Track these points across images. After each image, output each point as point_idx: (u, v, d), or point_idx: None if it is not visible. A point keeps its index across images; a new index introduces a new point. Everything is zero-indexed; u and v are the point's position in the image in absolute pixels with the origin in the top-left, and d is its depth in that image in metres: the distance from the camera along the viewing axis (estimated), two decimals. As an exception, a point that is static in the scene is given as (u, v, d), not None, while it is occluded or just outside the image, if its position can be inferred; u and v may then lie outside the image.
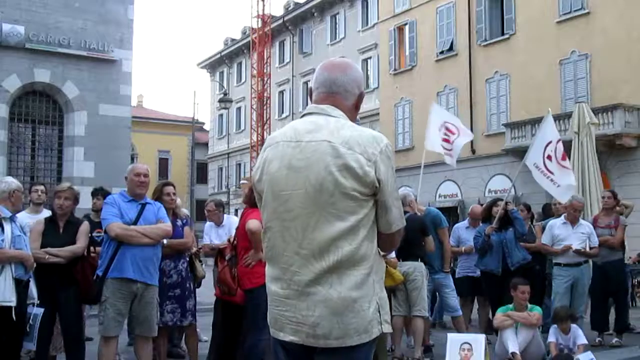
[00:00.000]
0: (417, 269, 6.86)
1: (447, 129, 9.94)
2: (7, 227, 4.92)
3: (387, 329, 2.31)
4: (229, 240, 6.26)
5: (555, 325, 6.89)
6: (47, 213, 6.48)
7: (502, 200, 8.14)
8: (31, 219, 5.83)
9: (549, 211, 9.91)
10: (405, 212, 7.10)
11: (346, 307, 2.20)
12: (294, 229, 2.25)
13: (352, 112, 2.41)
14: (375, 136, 2.26)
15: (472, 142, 25.02)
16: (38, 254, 5.26)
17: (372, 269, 2.25)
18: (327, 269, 2.21)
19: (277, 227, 2.31)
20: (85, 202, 10.03)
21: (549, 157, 8.31)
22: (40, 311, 5.16)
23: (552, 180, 8.27)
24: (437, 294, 8.33)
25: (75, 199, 5.68)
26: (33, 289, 5.16)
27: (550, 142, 8.36)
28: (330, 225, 2.20)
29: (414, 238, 6.92)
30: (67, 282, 5.36)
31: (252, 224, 5.34)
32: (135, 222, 5.18)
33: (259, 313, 5.47)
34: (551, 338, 6.81)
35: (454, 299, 7.73)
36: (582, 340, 6.74)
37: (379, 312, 2.26)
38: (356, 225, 2.21)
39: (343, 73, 2.37)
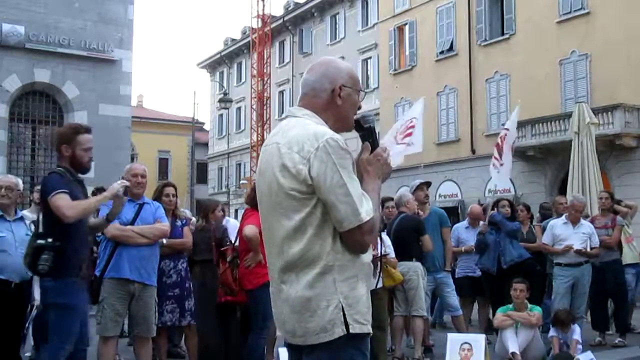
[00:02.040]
0: (412, 269, 6.86)
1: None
2: None
3: (360, 329, 2.25)
4: (230, 242, 6.29)
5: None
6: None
7: (504, 199, 8.19)
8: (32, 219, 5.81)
9: (546, 211, 9.95)
10: (401, 213, 7.17)
11: (302, 307, 2.24)
12: (265, 230, 2.40)
13: (329, 108, 2.39)
14: (317, 133, 2.24)
15: (472, 142, 25.12)
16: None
17: (329, 269, 2.23)
18: (286, 268, 2.28)
19: (262, 229, 2.47)
20: (86, 202, 10.01)
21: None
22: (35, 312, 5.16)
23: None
24: (436, 294, 8.31)
25: None
26: (36, 289, 5.16)
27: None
28: (280, 225, 2.28)
29: (408, 238, 6.93)
30: None
31: (248, 230, 5.41)
32: (132, 223, 5.19)
33: (259, 313, 5.52)
34: (552, 333, 6.83)
35: (454, 298, 7.74)
36: (576, 336, 6.76)
37: (343, 312, 2.22)
38: (301, 224, 2.23)
39: (312, 73, 2.42)
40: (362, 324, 2.25)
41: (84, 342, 4.43)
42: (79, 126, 4.37)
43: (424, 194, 7.80)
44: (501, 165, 10.04)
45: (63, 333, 4.08)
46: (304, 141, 2.22)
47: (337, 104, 2.37)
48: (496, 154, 10.13)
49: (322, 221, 2.23)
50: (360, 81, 2.51)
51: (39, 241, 4.08)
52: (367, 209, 2.22)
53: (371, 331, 2.30)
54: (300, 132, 2.26)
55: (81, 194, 4.22)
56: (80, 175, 4.34)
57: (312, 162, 2.20)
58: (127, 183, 4.46)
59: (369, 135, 2.42)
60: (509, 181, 10.26)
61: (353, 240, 2.24)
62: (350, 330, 2.22)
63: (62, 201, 3.97)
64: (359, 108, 2.47)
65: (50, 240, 4.04)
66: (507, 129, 10.44)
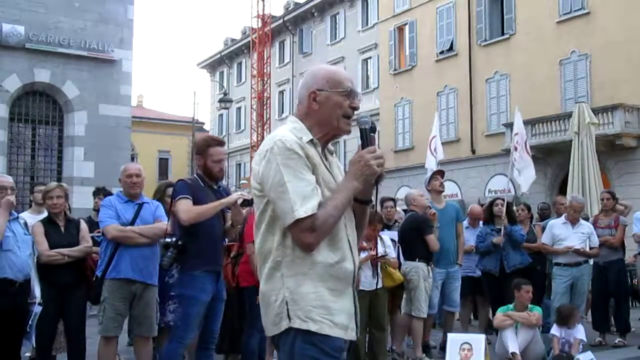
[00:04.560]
0: (413, 269, 6.86)
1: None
2: None
3: (300, 325, 2.27)
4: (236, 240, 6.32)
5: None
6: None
7: (500, 199, 8.16)
8: (33, 220, 5.80)
9: (544, 211, 9.94)
10: (409, 211, 7.16)
11: (262, 300, 2.40)
12: None
13: (309, 113, 2.46)
14: (274, 135, 2.39)
15: (472, 142, 25.12)
16: (54, 257, 5.29)
17: (278, 264, 2.34)
18: (258, 262, 2.46)
19: None
20: (87, 202, 10.03)
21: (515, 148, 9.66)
22: (38, 309, 5.16)
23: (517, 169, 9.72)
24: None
25: (66, 195, 5.68)
26: (35, 288, 5.16)
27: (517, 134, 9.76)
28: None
29: (410, 238, 6.92)
30: (77, 282, 5.38)
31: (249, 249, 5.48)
32: (132, 223, 5.19)
33: (252, 312, 5.55)
34: (555, 332, 6.81)
35: (458, 294, 7.75)
36: (581, 335, 6.75)
37: (287, 306, 2.30)
38: (259, 220, 2.41)
39: (299, 85, 2.55)
40: (304, 321, 2.28)
41: (209, 340, 4.88)
42: (211, 139, 4.88)
43: (439, 182, 7.73)
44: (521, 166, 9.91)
45: (184, 321, 4.66)
46: (265, 144, 2.39)
47: (314, 108, 2.45)
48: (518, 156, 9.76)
49: (272, 218, 2.36)
50: (351, 81, 2.48)
51: (166, 239, 4.71)
52: (307, 208, 2.25)
53: (325, 332, 2.28)
54: (270, 135, 2.44)
55: (213, 199, 4.66)
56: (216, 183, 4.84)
57: (261, 162, 2.36)
58: (247, 195, 4.74)
59: (361, 136, 2.43)
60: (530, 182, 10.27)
61: (294, 237, 2.30)
62: (292, 324, 2.29)
63: (180, 206, 4.54)
64: (355, 108, 2.47)
65: (174, 239, 4.62)
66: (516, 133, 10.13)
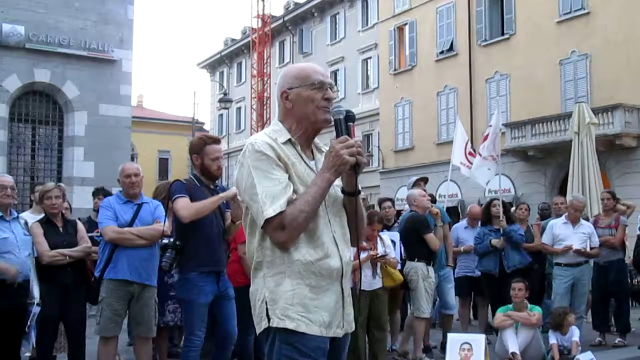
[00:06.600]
0: (412, 269, 6.86)
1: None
2: None
3: (278, 323, 2.30)
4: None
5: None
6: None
7: (497, 199, 8.16)
8: (34, 220, 5.78)
9: (544, 211, 9.96)
10: (410, 211, 7.16)
11: (251, 301, 2.44)
12: None
13: (286, 114, 2.48)
14: (249, 139, 2.45)
15: (472, 142, 25.08)
16: (56, 257, 5.28)
17: (259, 265, 2.38)
18: None
19: None
20: (86, 202, 10.02)
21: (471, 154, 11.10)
22: (37, 310, 5.15)
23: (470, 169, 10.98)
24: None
25: (63, 196, 5.67)
26: (34, 288, 5.16)
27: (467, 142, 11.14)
28: None
29: (409, 238, 6.91)
30: (77, 282, 5.38)
31: (240, 248, 5.49)
32: (131, 223, 5.18)
33: (244, 313, 5.53)
34: (552, 340, 6.81)
35: (452, 296, 7.75)
36: (576, 338, 6.76)
37: (266, 305, 2.33)
38: (245, 223, 2.46)
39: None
40: (281, 319, 2.30)
41: (225, 340, 4.81)
42: (207, 137, 4.85)
43: (422, 188, 7.74)
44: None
45: (188, 324, 4.68)
46: (244, 149, 2.42)
47: (288, 108, 2.46)
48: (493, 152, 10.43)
49: (252, 220, 2.39)
50: (322, 74, 2.45)
51: (164, 241, 4.74)
52: (276, 206, 2.26)
53: (302, 329, 2.28)
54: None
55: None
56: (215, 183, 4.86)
57: (237, 167, 2.41)
58: None
59: (336, 127, 2.40)
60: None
61: (269, 236, 2.33)
62: (271, 324, 2.31)
63: (179, 204, 4.53)
64: (328, 99, 2.43)
65: (172, 240, 4.65)
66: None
